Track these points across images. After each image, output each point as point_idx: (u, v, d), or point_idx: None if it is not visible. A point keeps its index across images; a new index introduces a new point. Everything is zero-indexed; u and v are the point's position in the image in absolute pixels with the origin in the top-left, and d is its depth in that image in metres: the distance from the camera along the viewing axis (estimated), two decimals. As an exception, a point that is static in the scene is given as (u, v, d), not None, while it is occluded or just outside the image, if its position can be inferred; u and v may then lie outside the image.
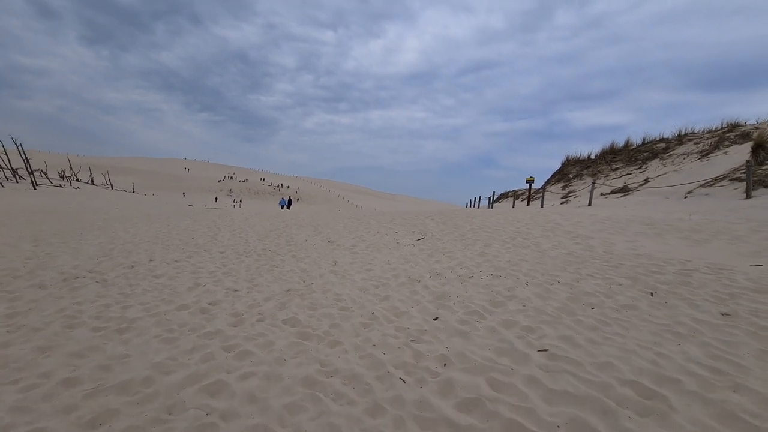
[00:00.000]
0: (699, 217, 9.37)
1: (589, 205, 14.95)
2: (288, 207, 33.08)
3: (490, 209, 17.60)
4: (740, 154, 15.53)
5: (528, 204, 21.14)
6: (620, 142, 23.66)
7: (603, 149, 24.02)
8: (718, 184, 12.62)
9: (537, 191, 24.66)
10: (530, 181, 21.09)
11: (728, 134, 17.99)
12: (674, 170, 17.40)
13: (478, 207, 26.24)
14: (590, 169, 23.67)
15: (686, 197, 12.83)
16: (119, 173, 74.15)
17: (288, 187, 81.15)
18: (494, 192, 22.87)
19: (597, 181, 15.32)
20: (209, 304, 3.99)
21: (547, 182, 26.63)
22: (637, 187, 16.79)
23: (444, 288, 4.47)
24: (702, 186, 13.05)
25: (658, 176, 17.48)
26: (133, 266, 5.86)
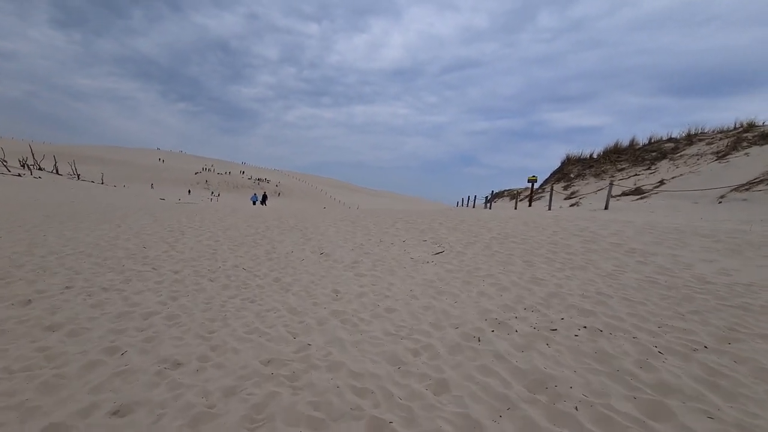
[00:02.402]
0: (761, 228, 7.95)
1: (606, 208, 13.49)
2: (263, 203, 30.23)
3: (494, 210, 15.99)
4: (765, 155, 14.37)
5: (530, 205, 19.66)
6: (624, 141, 22.48)
7: (606, 148, 22.81)
8: (755, 189, 11.31)
9: (536, 191, 23.29)
10: (533, 181, 19.61)
11: (745, 134, 16.88)
12: (690, 171, 16.17)
13: (473, 207, 24.70)
14: (593, 169, 22.39)
15: (720, 202, 11.49)
16: (89, 163, 69.72)
17: (268, 181, 78.13)
18: (492, 191, 21.34)
19: (612, 183, 13.87)
20: (114, 413, 2.08)
21: (546, 182, 25.29)
22: (652, 189, 15.49)
23: (530, 359, 2.70)
24: (736, 190, 11.73)
25: (673, 178, 16.22)
26: (30, 301, 3.86)
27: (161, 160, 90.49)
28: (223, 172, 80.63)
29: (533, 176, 19.53)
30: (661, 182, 16.13)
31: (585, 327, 3.26)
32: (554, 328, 3.27)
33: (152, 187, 54.76)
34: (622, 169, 20.75)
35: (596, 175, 21.65)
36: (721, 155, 16.26)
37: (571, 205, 16.76)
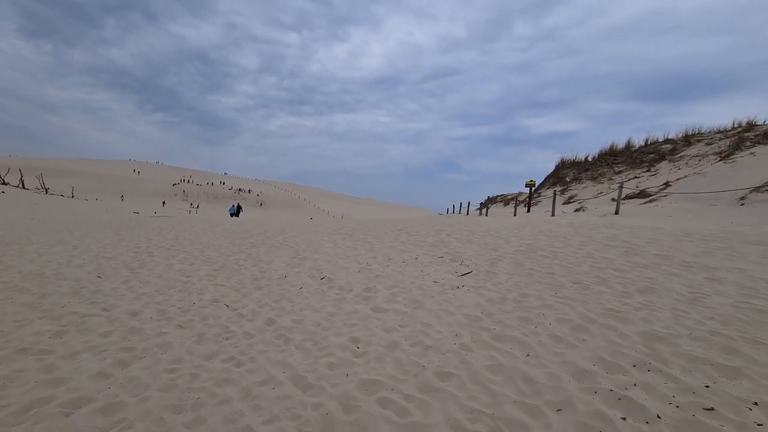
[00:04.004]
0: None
1: (617, 213, 12.66)
2: (237, 214, 28.82)
3: (494, 217, 15.00)
4: (773, 154, 13.87)
5: (528, 210, 18.81)
6: (620, 143, 22.01)
7: (602, 151, 22.32)
8: (778, 189, 10.64)
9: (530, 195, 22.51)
10: (531, 185, 18.75)
11: (746, 134, 16.48)
12: (694, 173, 15.59)
13: (467, 213, 23.78)
14: (589, 172, 21.80)
15: (742, 204, 10.77)
16: (59, 176, 66.20)
17: (250, 191, 75.98)
18: (488, 196, 20.47)
19: (620, 185, 13.06)
20: None
21: (541, 186, 24.61)
22: (658, 192, 14.80)
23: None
24: (756, 191, 11.05)
25: (677, 180, 15.60)
26: None
27: (137, 171, 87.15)
28: (203, 183, 78.10)
29: (531, 180, 18.66)
30: (667, 184, 15.48)
31: (756, 404, 2.14)
32: (709, 406, 2.14)
33: (122, 199, 52.17)
34: (620, 172, 20.19)
35: (593, 179, 21.04)
36: (724, 155, 15.76)
37: (576, 210, 15.93)
